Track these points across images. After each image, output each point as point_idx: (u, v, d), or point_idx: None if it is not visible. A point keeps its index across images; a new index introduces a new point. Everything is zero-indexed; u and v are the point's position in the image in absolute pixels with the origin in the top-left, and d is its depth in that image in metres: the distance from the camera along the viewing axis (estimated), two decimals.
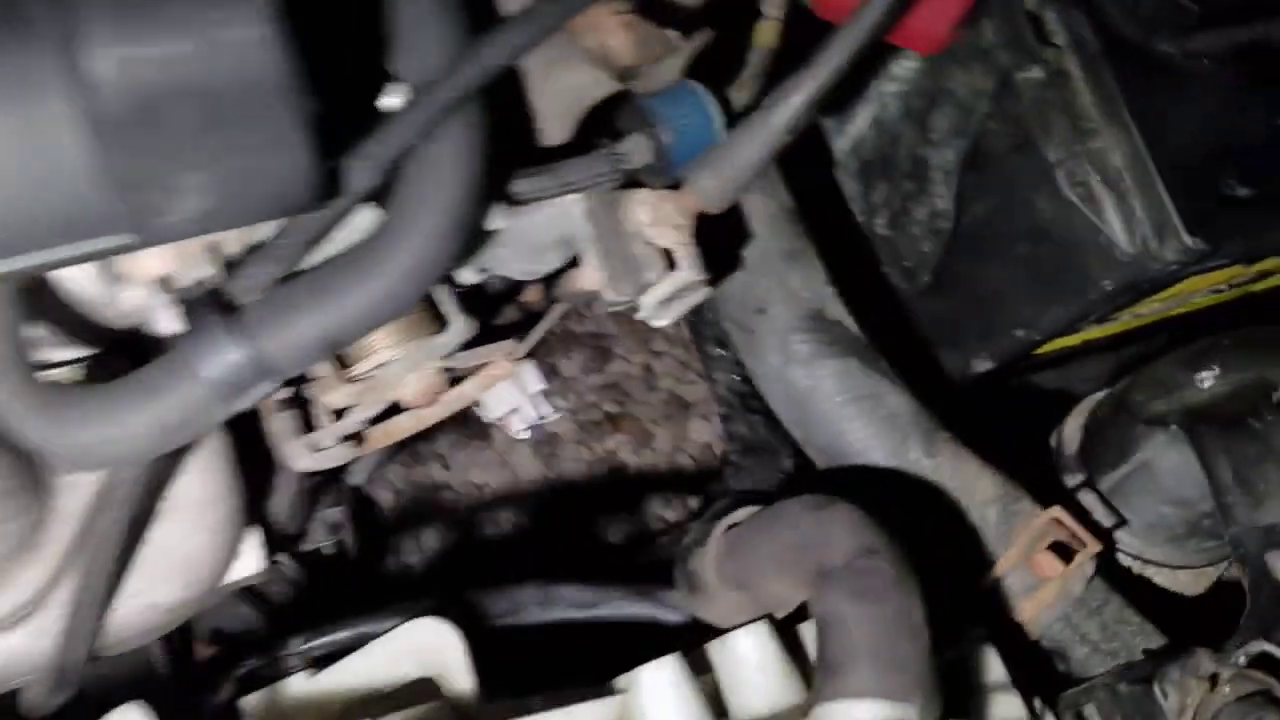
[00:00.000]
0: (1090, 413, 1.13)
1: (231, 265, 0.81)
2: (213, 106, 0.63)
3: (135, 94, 0.61)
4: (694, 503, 2.00)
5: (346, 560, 1.39)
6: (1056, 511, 1.00)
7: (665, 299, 0.93)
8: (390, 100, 0.79)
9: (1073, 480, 1.12)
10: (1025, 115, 0.92)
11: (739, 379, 1.93)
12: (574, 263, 1.01)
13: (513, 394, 1.16)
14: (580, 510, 2.01)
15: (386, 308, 0.77)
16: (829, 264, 1.11)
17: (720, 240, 0.94)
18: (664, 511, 1.98)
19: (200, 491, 0.96)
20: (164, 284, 0.80)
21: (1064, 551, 0.99)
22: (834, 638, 0.79)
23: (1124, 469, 1.06)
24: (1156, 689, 0.88)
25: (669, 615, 1.31)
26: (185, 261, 0.82)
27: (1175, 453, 1.02)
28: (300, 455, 0.95)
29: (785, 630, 1.04)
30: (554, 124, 0.90)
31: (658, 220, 0.89)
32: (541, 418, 1.18)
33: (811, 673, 1.03)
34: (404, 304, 0.78)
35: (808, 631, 1.03)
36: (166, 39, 0.61)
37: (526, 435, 1.20)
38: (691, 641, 1.33)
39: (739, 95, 0.96)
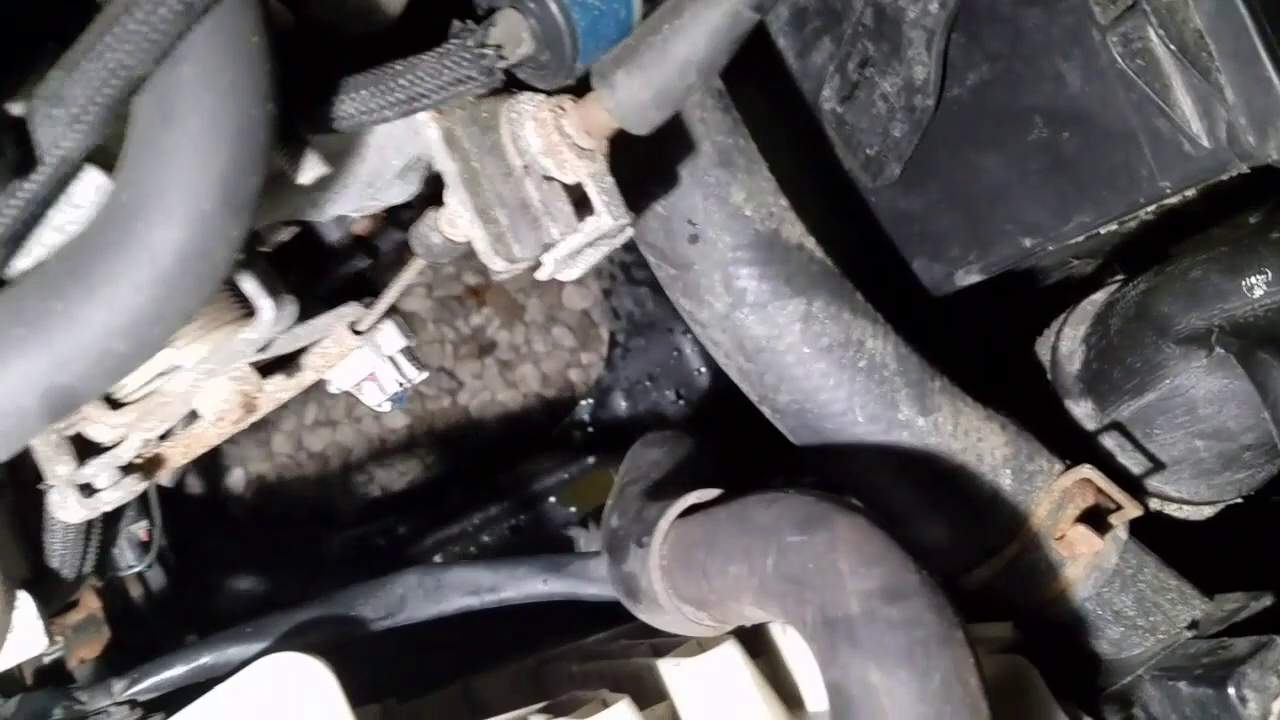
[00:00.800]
0: (1096, 320, 0.91)
1: None
2: None
3: None
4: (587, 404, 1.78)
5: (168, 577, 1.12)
6: (1086, 471, 0.78)
7: (574, 252, 0.65)
8: None
9: (1078, 406, 0.91)
10: None
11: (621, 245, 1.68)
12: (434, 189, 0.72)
13: (365, 359, 0.87)
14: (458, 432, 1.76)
15: (137, 337, 0.47)
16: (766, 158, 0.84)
17: (626, 141, 0.66)
18: (548, 417, 1.74)
19: None
20: None
21: (1094, 517, 0.79)
22: (860, 718, 0.56)
23: (1148, 396, 0.84)
24: (1232, 693, 0.69)
25: (593, 591, 1.09)
26: None
27: (1216, 379, 0.81)
28: (68, 505, 0.66)
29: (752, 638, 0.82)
30: (380, 6, 0.58)
31: (554, 144, 0.60)
32: (404, 384, 0.89)
33: (793, 692, 0.83)
34: (166, 326, 0.48)
35: (785, 636, 0.82)
36: None
37: (387, 408, 0.91)
38: (620, 620, 1.13)
39: None
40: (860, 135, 0.90)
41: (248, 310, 0.63)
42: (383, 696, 1.08)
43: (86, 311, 0.46)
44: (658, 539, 0.79)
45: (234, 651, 0.99)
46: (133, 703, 0.99)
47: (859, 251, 0.88)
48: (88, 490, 0.68)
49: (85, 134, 0.45)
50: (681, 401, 1.68)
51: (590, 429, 1.82)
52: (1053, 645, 0.78)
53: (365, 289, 0.93)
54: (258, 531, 1.59)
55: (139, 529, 0.92)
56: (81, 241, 0.47)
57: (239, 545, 1.50)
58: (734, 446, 1.07)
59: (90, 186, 0.50)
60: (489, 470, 1.67)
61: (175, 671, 0.99)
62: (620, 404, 1.77)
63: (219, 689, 0.84)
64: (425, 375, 0.92)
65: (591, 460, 1.64)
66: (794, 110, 0.97)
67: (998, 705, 0.58)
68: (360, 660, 0.86)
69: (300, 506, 1.67)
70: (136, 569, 0.93)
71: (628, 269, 1.77)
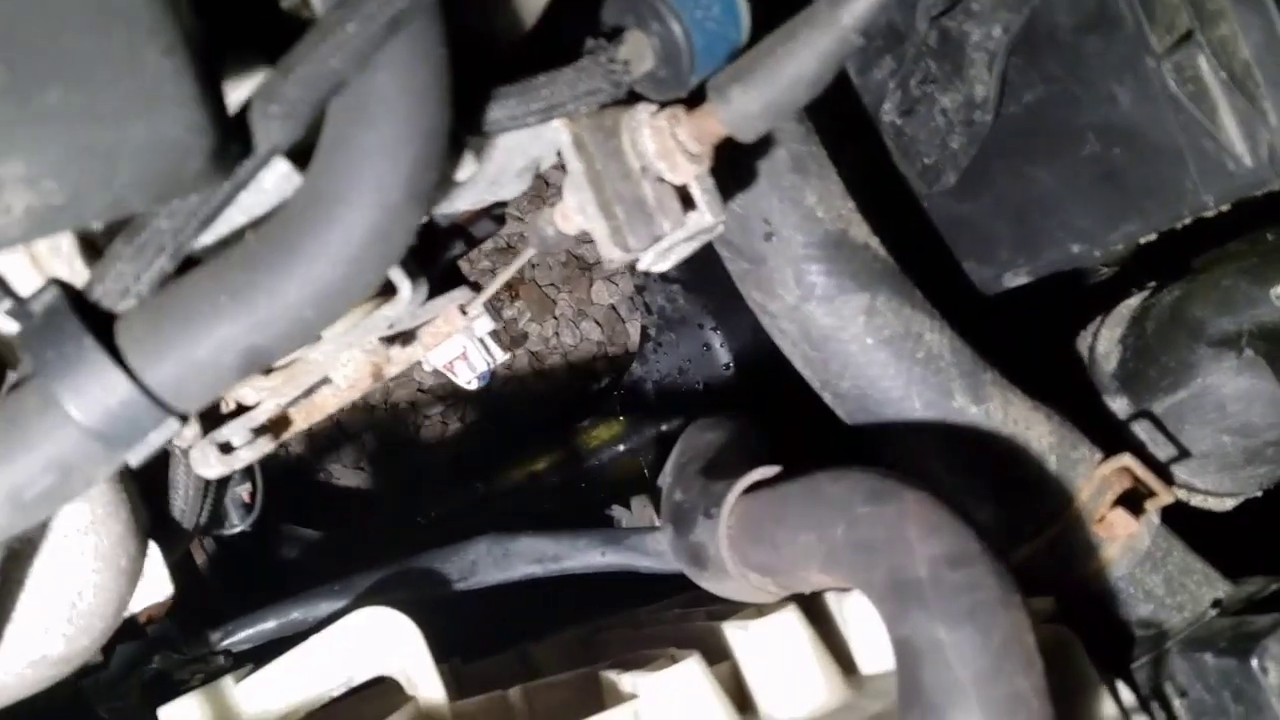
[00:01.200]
0: (1132, 323, 0.97)
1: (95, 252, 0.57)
2: (35, 53, 0.39)
3: None
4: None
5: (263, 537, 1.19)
6: (1126, 459, 0.85)
7: (674, 245, 0.72)
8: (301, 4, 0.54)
9: (1114, 402, 0.97)
10: None
11: None
12: (539, 189, 0.78)
13: (458, 339, 0.94)
14: (497, 416, 1.83)
15: (325, 307, 0.54)
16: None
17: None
18: (578, 406, 1.80)
19: (80, 519, 0.74)
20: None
21: (1131, 501, 0.85)
22: (929, 671, 0.63)
23: (1180, 394, 0.91)
24: (1255, 664, 0.76)
25: (648, 563, 1.15)
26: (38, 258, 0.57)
27: (1245, 379, 0.88)
28: (209, 462, 0.73)
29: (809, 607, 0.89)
30: (522, 18, 0.65)
31: (666, 149, 0.67)
32: (490, 363, 0.96)
33: (847, 657, 0.89)
34: (349, 299, 0.55)
35: (841, 605, 0.88)
36: None
37: (475, 385, 0.99)
38: (678, 589, 1.19)
39: None
40: (919, 146, 0.96)
41: (385, 292, 0.69)
42: (448, 657, 1.14)
43: (284, 283, 0.53)
44: (725, 510, 0.86)
45: (323, 606, 1.06)
46: (227, 652, 1.06)
47: (914, 251, 0.95)
48: (226, 448, 0.75)
49: (294, 129, 0.52)
50: (708, 395, 1.73)
51: (620, 418, 1.87)
52: (1088, 619, 0.85)
53: (457, 275, 1.00)
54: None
55: (243, 491, 0.99)
56: (280, 222, 0.54)
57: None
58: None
59: (278, 174, 0.57)
60: (523, 454, 1.73)
61: (268, 625, 1.06)
62: (650, 394, 1.82)
63: (314, 639, 0.91)
64: (508, 357, 0.99)
65: (622, 448, 1.71)
66: (855, 120, 1.03)
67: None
68: (427, 621, 0.93)
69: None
70: (239, 529, 1.00)
71: None
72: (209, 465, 0.74)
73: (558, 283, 1.95)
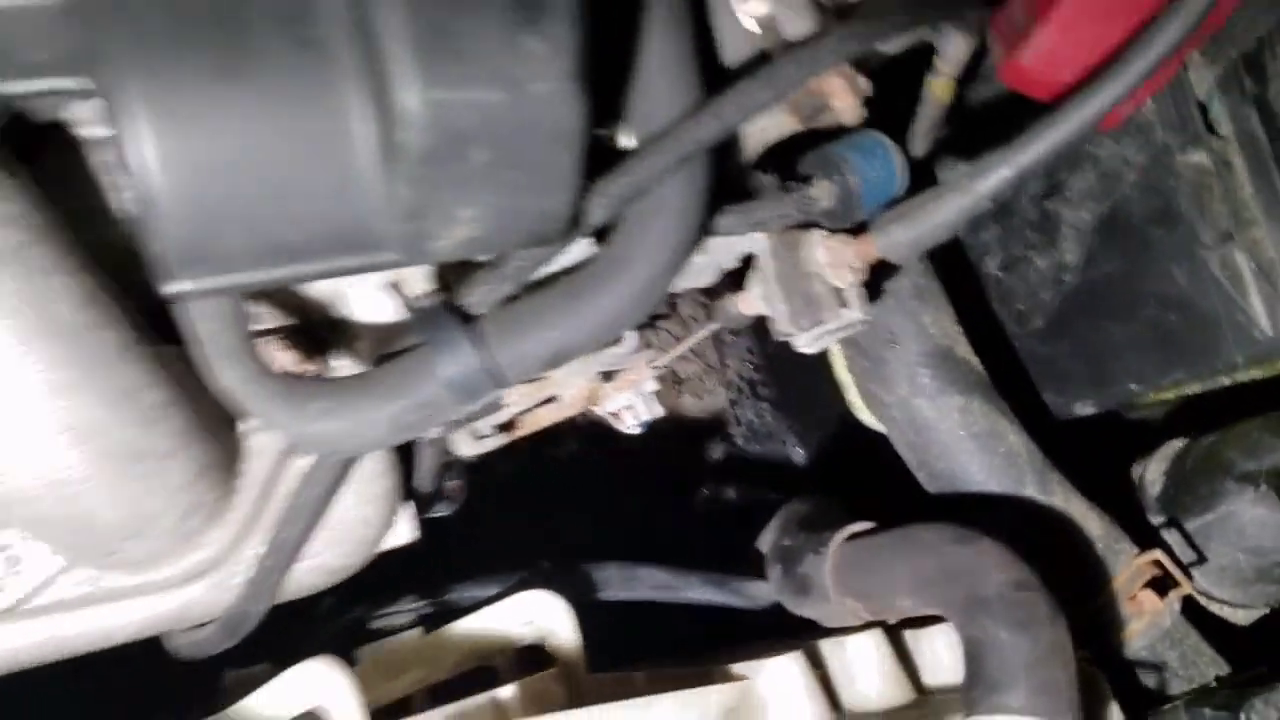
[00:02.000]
0: (1175, 460, 1.17)
1: (454, 279, 0.83)
2: (506, 150, 0.64)
3: (438, 133, 0.62)
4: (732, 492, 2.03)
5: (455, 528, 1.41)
6: (1157, 554, 1.04)
7: (827, 333, 0.95)
8: (625, 140, 0.80)
9: (1157, 519, 1.16)
10: (1178, 194, 0.94)
11: (752, 365, 1.96)
12: (726, 284, 1.03)
13: (630, 392, 1.18)
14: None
15: (609, 330, 0.79)
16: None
17: None
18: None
19: (370, 466, 0.98)
20: (394, 288, 0.82)
21: (1159, 588, 1.04)
22: (990, 659, 0.82)
23: (1208, 517, 1.09)
24: (1242, 716, 0.93)
25: (744, 603, 1.35)
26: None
27: (1261, 508, 1.06)
28: (466, 442, 0.97)
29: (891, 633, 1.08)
30: (741, 164, 0.91)
31: (835, 262, 0.91)
32: (651, 418, 1.20)
33: (918, 677, 1.07)
34: (624, 328, 0.80)
35: (917, 639, 1.07)
36: (478, 87, 0.62)
37: (637, 431, 1.22)
38: (768, 629, 1.38)
39: (912, 146, 0.98)
40: (1015, 295, 1.19)
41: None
42: None
43: (586, 311, 0.77)
44: (832, 547, 1.06)
45: (492, 592, 1.28)
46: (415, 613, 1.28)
47: (1004, 375, 1.17)
48: (477, 435, 0.99)
49: (609, 216, 0.77)
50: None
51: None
52: (1114, 679, 1.02)
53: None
54: None
55: (453, 483, 1.22)
56: (589, 273, 0.79)
57: None
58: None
59: (584, 243, 0.83)
60: None
61: (450, 597, 1.28)
62: (732, 496, 1.99)
63: (486, 609, 1.12)
64: (661, 414, 1.22)
65: None
66: (963, 268, 1.27)
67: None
68: None
69: None
70: (443, 514, 1.23)
71: (754, 386, 2.04)
72: (468, 445, 0.98)
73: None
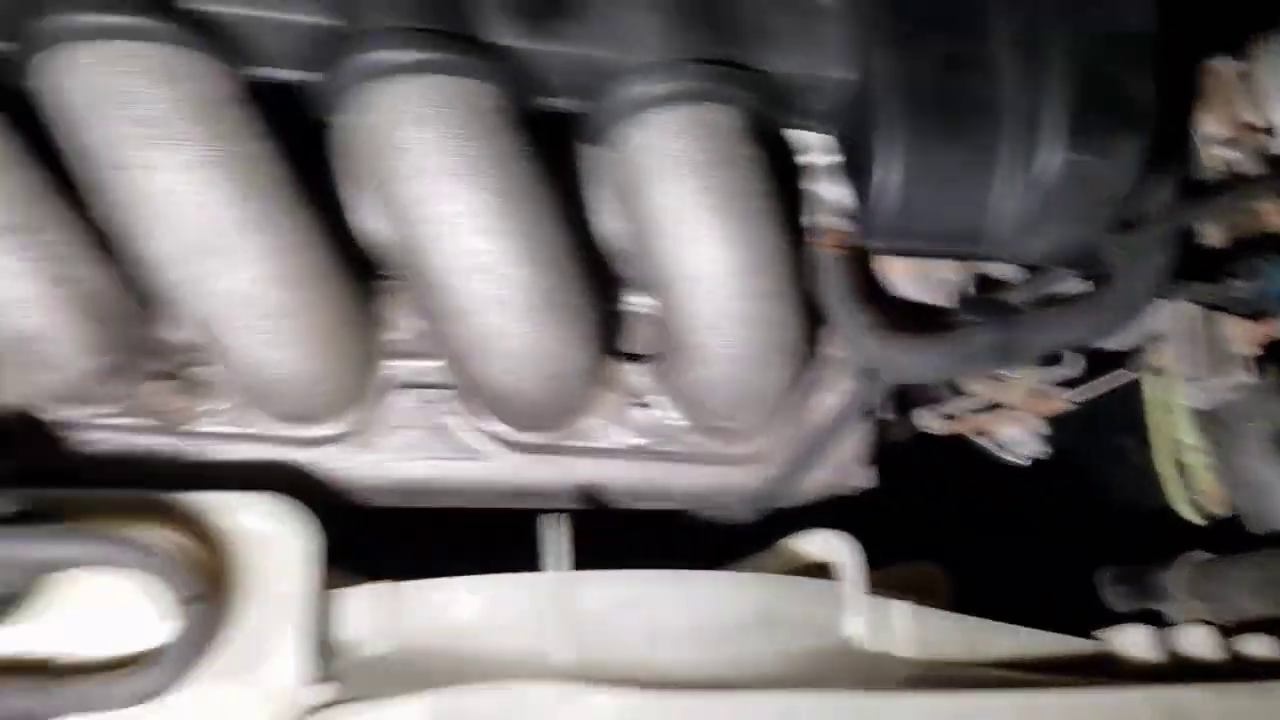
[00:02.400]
0: None
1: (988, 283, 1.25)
2: (1079, 194, 1.06)
3: (1061, 181, 1.04)
4: None
5: None
6: None
7: (1214, 389, 1.31)
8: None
9: None
10: None
11: None
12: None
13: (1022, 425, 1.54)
14: None
15: (1090, 338, 1.19)
16: None
17: None
18: None
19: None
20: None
21: None
22: None
23: None
24: None
25: None
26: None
27: None
28: (933, 420, 1.38)
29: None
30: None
31: (1240, 336, 1.28)
32: (1030, 456, 1.54)
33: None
34: (1099, 339, 1.20)
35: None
36: (1091, 154, 1.04)
37: (1025, 463, 1.54)
38: None
39: None
40: None
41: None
42: None
43: (1081, 323, 1.17)
44: (1184, 563, 1.38)
45: None
46: None
47: None
48: (944, 415, 1.39)
49: (1117, 259, 1.18)
50: None
51: None
52: None
53: None
54: None
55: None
56: (1091, 297, 1.19)
57: None
58: None
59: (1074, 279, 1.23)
60: None
61: None
62: None
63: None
64: (1045, 456, 1.56)
65: None
66: None
67: None
68: None
69: None
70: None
71: None
72: (929, 426, 1.38)
73: None
